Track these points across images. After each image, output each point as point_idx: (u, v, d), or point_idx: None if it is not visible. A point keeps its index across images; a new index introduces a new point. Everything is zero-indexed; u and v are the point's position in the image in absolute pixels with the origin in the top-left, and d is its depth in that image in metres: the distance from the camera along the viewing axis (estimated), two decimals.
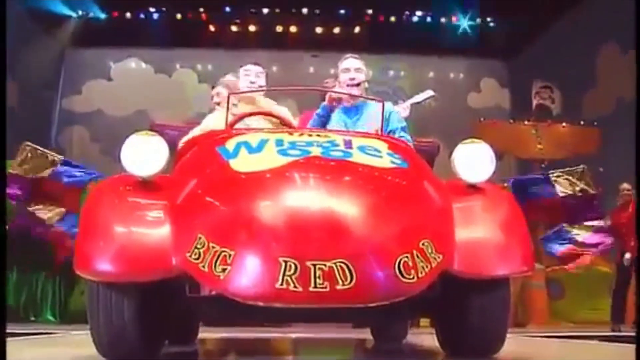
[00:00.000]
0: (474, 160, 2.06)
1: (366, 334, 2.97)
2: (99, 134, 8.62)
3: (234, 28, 8.31)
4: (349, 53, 2.91)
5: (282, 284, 1.63)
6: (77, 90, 9.09)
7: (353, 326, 3.07)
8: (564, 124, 7.61)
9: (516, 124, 7.92)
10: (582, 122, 7.48)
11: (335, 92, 2.86)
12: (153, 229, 1.85)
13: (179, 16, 8.29)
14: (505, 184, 2.97)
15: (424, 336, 2.95)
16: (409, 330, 3.14)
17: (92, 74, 9.07)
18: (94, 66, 9.04)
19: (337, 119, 2.82)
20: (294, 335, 3.42)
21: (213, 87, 3.77)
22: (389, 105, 2.77)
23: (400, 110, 3.04)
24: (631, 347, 2.26)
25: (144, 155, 1.96)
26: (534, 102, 7.70)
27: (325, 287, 1.63)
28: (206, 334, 3.31)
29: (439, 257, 1.79)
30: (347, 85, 2.80)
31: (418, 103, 3.12)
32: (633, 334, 3.54)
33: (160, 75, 8.84)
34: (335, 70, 2.99)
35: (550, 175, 4.72)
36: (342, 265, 1.64)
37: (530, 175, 3.50)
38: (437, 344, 2.24)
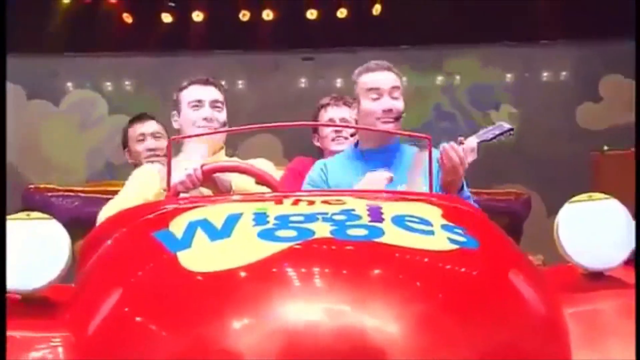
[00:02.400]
0: (594, 232, 2.11)
1: None
2: None
3: (166, 18, 8.21)
4: (368, 53, 3.05)
5: None
6: None
7: None
8: None
9: None
10: None
11: (362, 128, 2.95)
12: None
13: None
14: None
15: None
16: None
17: None
18: None
19: (353, 175, 2.91)
20: None
21: (132, 122, 3.89)
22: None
23: (466, 153, 2.96)
24: None
25: (25, 255, 2.01)
26: None
27: None
28: None
29: None
30: (382, 122, 2.92)
31: (489, 140, 3.20)
32: None
33: (39, 101, 8.87)
34: (343, 81, 3.09)
35: None
36: None
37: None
38: None
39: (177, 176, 2.68)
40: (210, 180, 2.81)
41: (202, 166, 2.76)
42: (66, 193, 3.57)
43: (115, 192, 3.05)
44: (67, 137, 8.30)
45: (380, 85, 2.98)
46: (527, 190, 3.23)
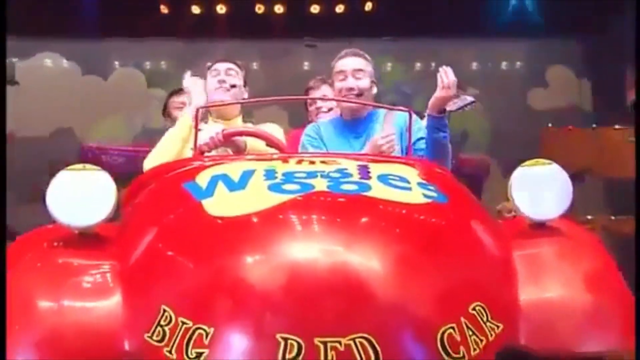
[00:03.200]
0: (539, 190, 2.12)
1: None
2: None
3: (195, 9, 8.23)
4: (352, 41, 3.08)
5: None
6: None
7: None
8: None
9: (602, 130, 7.84)
10: None
11: (343, 100, 2.96)
12: (95, 300, 1.91)
13: None
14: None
15: None
16: None
17: None
18: None
19: (341, 141, 2.92)
20: None
21: (172, 94, 3.88)
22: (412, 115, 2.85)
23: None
24: None
25: (80, 198, 2.02)
26: (629, 99, 7.69)
27: None
28: None
29: (497, 327, 1.85)
30: (347, 98, 2.94)
31: (456, 112, 3.22)
32: None
33: (91, 77, 8.78)
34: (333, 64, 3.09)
35: None
36: (364, 342, 1.70)
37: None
38: None
39: (203, 139, 2.68)
40: (229, 142, 2.80)
41: (223, 130, 2.75)
42: (112, 151, 3.57)
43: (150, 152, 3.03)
44: (113, 105, 8.29)
45: (345, 69, 2.98)
46: (488, 157, 3.23)
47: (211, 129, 2.73)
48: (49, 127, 8.35)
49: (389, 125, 2.88)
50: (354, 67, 2.98)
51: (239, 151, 2.78)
